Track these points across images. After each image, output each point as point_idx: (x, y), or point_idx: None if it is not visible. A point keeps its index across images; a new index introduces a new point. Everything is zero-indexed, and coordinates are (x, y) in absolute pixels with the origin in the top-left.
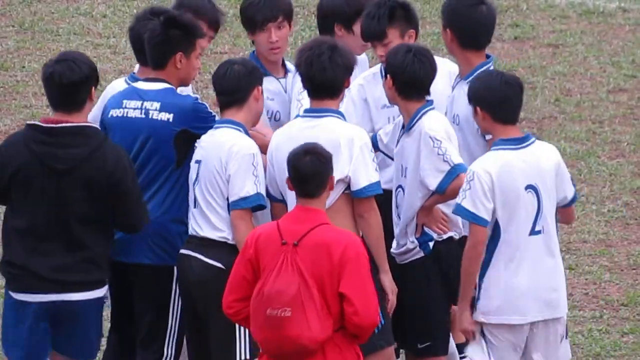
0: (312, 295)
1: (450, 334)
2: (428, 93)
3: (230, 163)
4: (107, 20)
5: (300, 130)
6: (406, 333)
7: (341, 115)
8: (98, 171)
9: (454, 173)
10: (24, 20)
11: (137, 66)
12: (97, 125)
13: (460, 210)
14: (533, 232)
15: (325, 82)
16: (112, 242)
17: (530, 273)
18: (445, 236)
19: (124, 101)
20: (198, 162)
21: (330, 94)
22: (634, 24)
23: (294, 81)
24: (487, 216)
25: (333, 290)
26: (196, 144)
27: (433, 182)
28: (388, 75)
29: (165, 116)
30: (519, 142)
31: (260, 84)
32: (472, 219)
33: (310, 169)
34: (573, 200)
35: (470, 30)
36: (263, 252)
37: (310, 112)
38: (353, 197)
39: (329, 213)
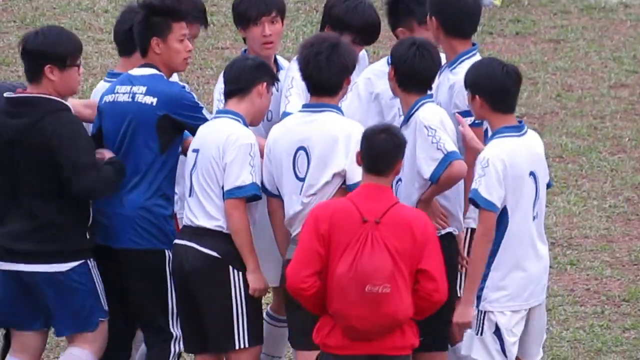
0: (402, 271)
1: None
2: (429, 87)
3: (228, 152)
4: (108, 15)
5: (298, 124)
6: None
7: (339, 110)
8: (41, 141)
9: (447, 161)
10: (25, 16)
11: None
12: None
13: (476, 195)
14: (533, 217)
15: (321, 81)
16: (71, 215)
17: (533, 257)
18: (443, 232)
19: (117, 87)
20: (195, 150)
21: (327, 92)
22: (635, 19)
23: (285, 77)
24: (498, 203)
25: (412, 268)
26: (186, 133)
27: (427, 171)
28: (390, 66)
29: (150, 99)
30: (519, 129)
31: (269, 82)
32: (486, 205)
33: (384, 146)
34: (548, 186)
35: (455, 18)
36: (338, 229)
37: (308, 106)
38: (348, 191)
39: None
